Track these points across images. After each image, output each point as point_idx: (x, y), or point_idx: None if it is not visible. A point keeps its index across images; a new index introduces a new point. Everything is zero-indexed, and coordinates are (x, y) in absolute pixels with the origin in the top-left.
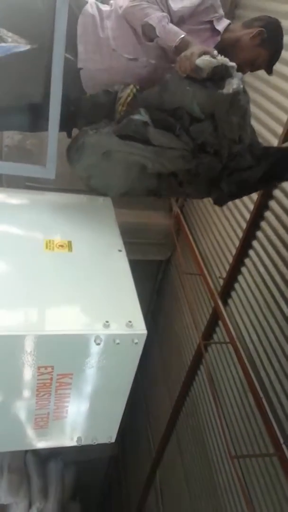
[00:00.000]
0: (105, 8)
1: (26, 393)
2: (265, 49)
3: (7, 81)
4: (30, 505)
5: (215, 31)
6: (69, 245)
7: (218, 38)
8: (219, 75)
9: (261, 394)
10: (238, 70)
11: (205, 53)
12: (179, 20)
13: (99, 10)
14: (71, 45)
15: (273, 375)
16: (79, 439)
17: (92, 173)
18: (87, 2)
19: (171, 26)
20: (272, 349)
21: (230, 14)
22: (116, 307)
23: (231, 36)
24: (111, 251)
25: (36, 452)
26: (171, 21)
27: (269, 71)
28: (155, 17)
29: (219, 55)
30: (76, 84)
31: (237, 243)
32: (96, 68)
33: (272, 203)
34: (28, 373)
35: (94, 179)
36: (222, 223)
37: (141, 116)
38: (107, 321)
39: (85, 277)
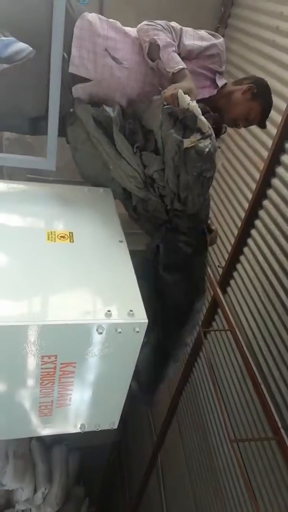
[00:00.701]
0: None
1: (30, 382)
2: (257, 103)
3: (5, 92)
4: (35, 490)
5: (214, 83)
6: (71, 236)
7: (215, 91)
8: (184, 121)
9: (260, 380)
10: (233, 125)
11: (191, 92)
12: (186, 55)
13: (99, 17)
14: (67, 48)
15: (272, 362)
16: (82, 425)
17: (78, 147)
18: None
19: (176, 55)
20: (271, 336)
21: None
22: (117, 297)
23: (224, 91)
24: (112, 242)
25: (40, 439)
26: (178, 54)
27: (263, 125)
28: (164, 39)
29: (196, 104)
30: (69, 83)
31: (235, 232)
32: (87, 77)
33: (270, 192)
34: (32, 363)
35: (77, 153)
36: (220, 212)
37: (111, 112)
38: (109, 311)
39: (86, 267)
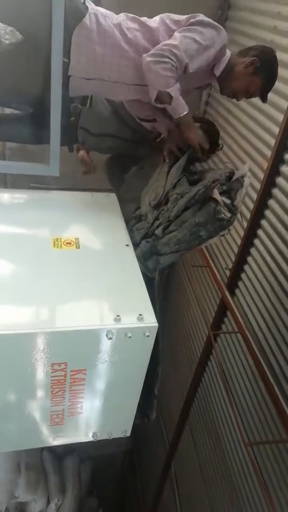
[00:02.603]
0: (105, 20)
1: (41, 391)
2: (259, 78)
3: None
4: (48, 502)
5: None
6: (77, 242)
7: (215, 80)
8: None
9: (272, 381)
10: (232, 97)
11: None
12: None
13: (98, 24)
14: (66, 50)
15: (283, 362)
16: (94, 434)
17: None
18: (85, 14)
19: (181, 100)
20: (281, 336)
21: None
22: (126, 301)
23: (227, 65)
24: (118, 246)
25: (51, 449)
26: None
27: (264, 99)
28: (176, 89)
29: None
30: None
31: (241, 233)
32: (89, 78)
33: (276, 191)
34: (42, 371)
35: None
36: None
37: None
38: (118, 315)
39: (93, 273)
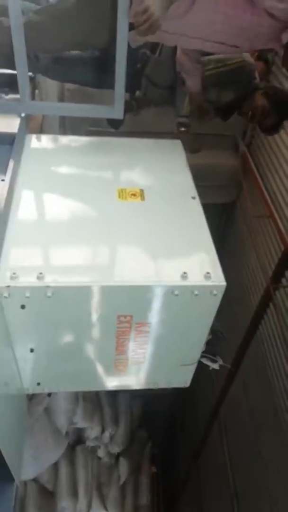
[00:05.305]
0: None
1: (107, 340)
2: None
3: (70, 27)
4: (103, 430)
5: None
6: (141, 194)
7: (279, 47)
8: None
9: None
10: None
11: None
12: None
13: None
14: None
15: None
16: (155, 383)
17: None
18: None
19: None
20: None
21: None
22: (193, 258)
23: None
24: (184, 199)
25: None
26: None
27: None
28: None
29: None
30: None
31: None
32: None
33: None
34: (109, 322)
35: None
36: None
37: None
38: (185, 272)
39: (160, 227)
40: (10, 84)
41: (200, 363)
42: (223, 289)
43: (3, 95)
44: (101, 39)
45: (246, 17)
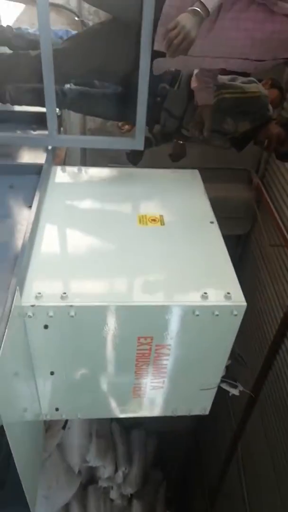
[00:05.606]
0: None
1: (127, 363)
2: None
3: (93, 54)
4: (116, 469)
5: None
6: (161, 219)
7: None
8: None
9: None
10: None
11: None
12: None
13: None
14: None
15: None
16: (174, 409)
17: None
18: None
19: None
20: None
21: None
22: (213, 279)
23: None
24: (203, 223)
25: (120, 421)
26: None
27: None
28: None
29: None
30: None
31: None
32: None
33: None
34: (129, 343)
35: None
36: None
37: None
38: (205, 293)
39: (179, 250)
40: (38, 121)
41: (219, 391)
42: (243, 310)
43: (32, 131)
44: (122, 66)
45: (266, 27)
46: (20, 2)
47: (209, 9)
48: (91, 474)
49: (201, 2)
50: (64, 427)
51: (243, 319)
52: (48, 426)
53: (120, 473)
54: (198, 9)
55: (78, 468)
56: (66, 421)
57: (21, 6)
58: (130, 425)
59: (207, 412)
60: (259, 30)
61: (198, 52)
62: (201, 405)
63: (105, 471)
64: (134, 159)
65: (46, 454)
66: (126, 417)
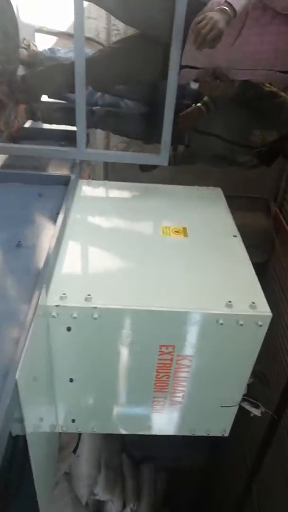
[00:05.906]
0: None
1: (147, 373)
2: None
3: (120, 64)
4: (124, 505)
5: None
6: (185, 231)
7: None
8: None
9: None
10: None
11: None
12: None
13: None
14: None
15: None
16: (193, 429)
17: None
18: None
19: None
20: None
21: None
22: (237, 289)
23: None
24: (226, 237)
25: (130, 454)
26: None
27: None
28: None
29: None
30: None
31: None
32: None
33: None
34: (150, 351)
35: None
36: None
37: None
38: (229, 301)
39: (203, 259)
40: (66, 138)
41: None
42: (268, 320)
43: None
44: (148, 76)
45: None
46: (54, 36)
47: (236, 9)
48: (98, 507)
49: (228, 2)
50: (75, 451)
51: (265, 339)
52: (60, 447)
53: (128, 510)
54: (226, 8)
55: (86, 500)
56: (77, 445)
57: (54, 38)
58: (140, 459)
59: (226, 434)
60: (281, 41)
61: (225, 65)
62: (221, 425)
63: (113, 506)
64: (146, 167)
65: (55, 479)
66: (143, 434)
